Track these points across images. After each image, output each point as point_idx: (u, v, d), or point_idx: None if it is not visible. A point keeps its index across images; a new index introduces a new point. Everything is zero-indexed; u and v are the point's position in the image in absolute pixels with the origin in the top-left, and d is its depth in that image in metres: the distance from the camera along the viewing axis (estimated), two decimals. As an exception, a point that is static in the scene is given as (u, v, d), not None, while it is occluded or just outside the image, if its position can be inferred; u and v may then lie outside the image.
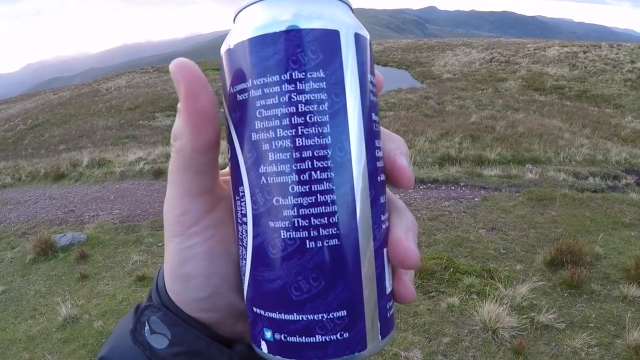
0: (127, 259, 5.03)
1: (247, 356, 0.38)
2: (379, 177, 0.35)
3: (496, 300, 3.57)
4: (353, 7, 0.36)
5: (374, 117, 0.34)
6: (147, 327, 0.39)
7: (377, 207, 0.34)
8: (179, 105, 0.34)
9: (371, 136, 0.34)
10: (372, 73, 0.35)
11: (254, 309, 0.35)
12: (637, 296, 3.80)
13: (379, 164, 0.35)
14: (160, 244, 5.35)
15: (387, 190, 0.39)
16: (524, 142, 11.01)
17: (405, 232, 0.36)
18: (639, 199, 6.41)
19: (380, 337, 0.35)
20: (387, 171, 0.37)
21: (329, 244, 0.32)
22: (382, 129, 0.38)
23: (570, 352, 3.21)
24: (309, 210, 0.31)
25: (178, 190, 0.37)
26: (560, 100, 22.32)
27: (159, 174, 8.54)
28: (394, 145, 0.38)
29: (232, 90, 0.34)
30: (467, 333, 3.38)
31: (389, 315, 0.36)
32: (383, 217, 0.35)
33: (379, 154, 0.35)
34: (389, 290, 0.36)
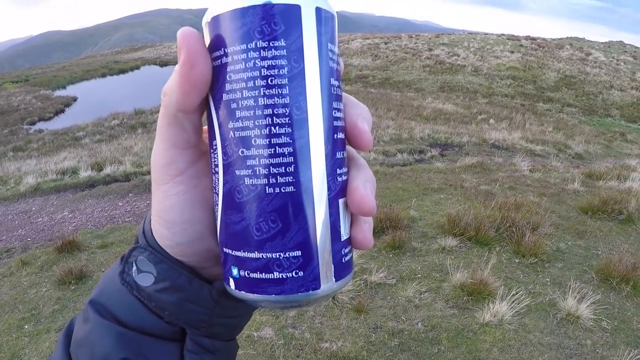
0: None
1: (224, 291, 0.41)
2: (335, 135, 0.38)
3: (329, 271, 3.85)
4: None
5: (332, 81, 0.38)
6: (134, 268, 0.42)
7: (333, 161, 0.37)
8: (176, 67, 0.36)
9: (329, 98, 0.37)
10: (333, 43, 0.38)
11: (224, 249, 0.39)
12: (454, 245, 4.43)
13: (337, 123, 0.38)
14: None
15: (350, 149, 0.42)
16: (332, 129, 11.77)
17: (363, 182, 0.39)
18: (444, 167, 7.28)
19: (334, 279, 0.38)
20: (348, 133, 0.40)
21: (286, 190, 0.35)
22: (349, 97, 0.42)
23: (405, 301, 3.64)
24: (269, 160, 0.35)
25: (165, 143, 0.40)
26: (365, 88, 24.27)
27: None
28: (357, 110, 0.41)
29: (210, 57, 0.37)
30: (310, 303, 3.60)
31: (344, 261, 0.39)
32: (339, 171, 0.38)
33: (337, 114, 0.38)
34: (344, 237, 0.39)
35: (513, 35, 41.27)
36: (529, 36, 40.53)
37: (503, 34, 42.29)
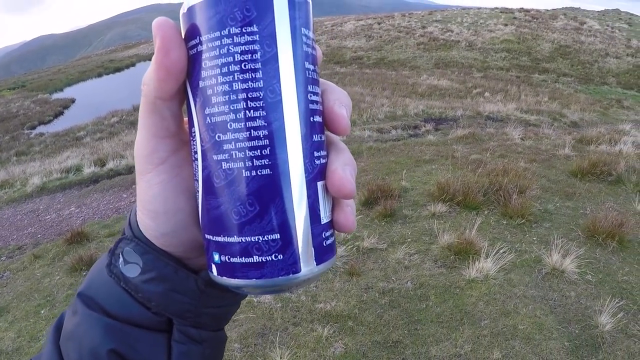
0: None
1: (210, 280, 0.41)
2: (312, 118, 0.38)
3: (321, 239, 4.07)
4: None
5: (307, 65, 0.38)
6: (121, 259, 0.43)
7: (310, 144, 0.37)
8: (153, 56, 0.37)
9: (304, 81, 0.37)
10: (308, 27, 0.38)
11: (206, 235, 0.38)
12: (443, 211, 4.61)
13: (313, 106, 0.38)
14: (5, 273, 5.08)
15: (330, 133, 0.42)
16: (328, 112, 12.04)
17: (342, 165, 0.39)
18: (436, 139, 7.43)
19: (315, 263, 0.38)
20: (325, 118, 0.40)
21: (262, 173, 0.35)
22: (328, 82, 0.43)
23: (395, 263, 3.85)
24: (244, 144, 0.35)
25: (146, 132, 0.40)
26: (360, 69, 24.35)
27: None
28: (335, 95, 0.41)
29: (186, 46, 0.37)
30: (304, 269, 3.83)
31: (325, 244, 0.39)
32: (317, 154, 0.38)
33: (313, 97, 0.38)
34: (325, 220, 0.39)
35: (506, 8, 41.25)
36: (522, 8, 40.43)
37: (496, 8, 42.21)
